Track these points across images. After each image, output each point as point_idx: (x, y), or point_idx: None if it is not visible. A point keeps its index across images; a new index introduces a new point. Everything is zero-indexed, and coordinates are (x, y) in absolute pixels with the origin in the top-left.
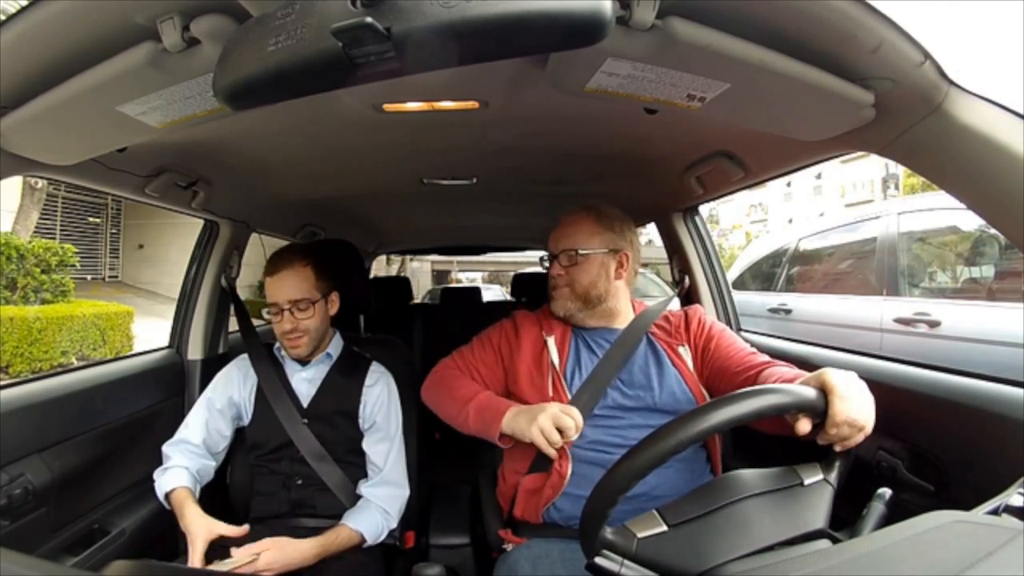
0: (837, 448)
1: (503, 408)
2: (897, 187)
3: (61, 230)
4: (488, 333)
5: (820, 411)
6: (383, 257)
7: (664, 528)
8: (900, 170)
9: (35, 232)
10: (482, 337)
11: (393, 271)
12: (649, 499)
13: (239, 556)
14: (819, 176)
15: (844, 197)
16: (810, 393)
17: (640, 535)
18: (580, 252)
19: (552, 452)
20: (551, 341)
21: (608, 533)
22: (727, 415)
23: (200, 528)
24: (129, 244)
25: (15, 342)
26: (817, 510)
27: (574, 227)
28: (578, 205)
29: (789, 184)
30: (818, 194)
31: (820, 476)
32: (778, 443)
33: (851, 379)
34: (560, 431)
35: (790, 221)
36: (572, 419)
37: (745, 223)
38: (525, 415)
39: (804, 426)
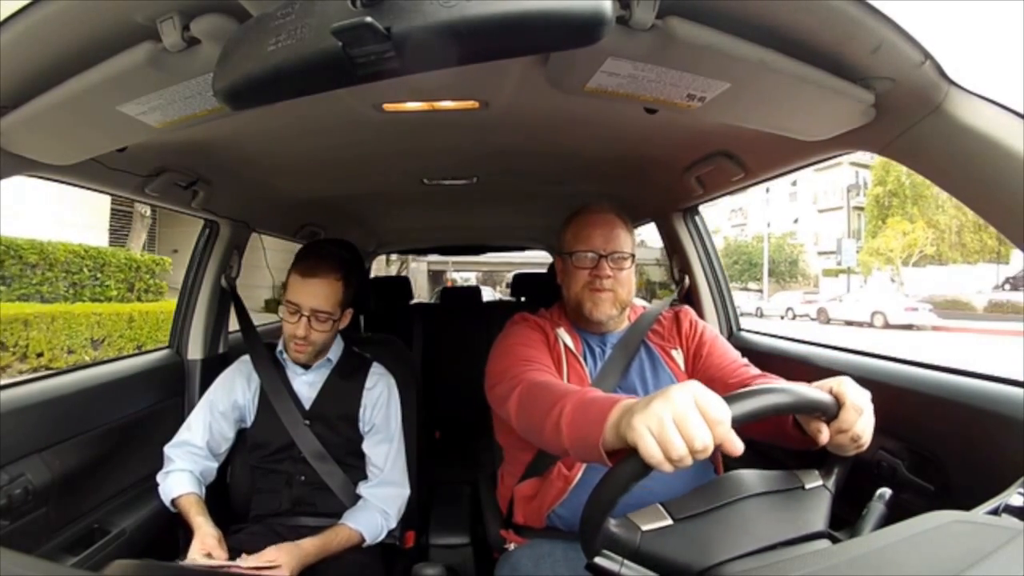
0: (829, 448)
1: (610, 404)
2: (861, 194)
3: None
4: (512, 333)
5: (831, 415)
6: (383, 258)
7: (669, 522)
8: (869, 178)
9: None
10: (509, 339)
11: (393, 272)
12: (649, 499)
13: (251, 562)
14: (795, 183)
15: (816, 203)
16: (826, 398)
17: (644, 528)
18: (627, 254)
19: (667, 469)
20: (569, 341)
21: (612, 525)
22: (735, 412)
23: (206, 537)
24: (164, 249)
25: (149, 329)
26: (817, 513)
27: (613, 227)
28: (603, 202)
29: (768, 190)
30: (793, 200)
31: (819, 482)
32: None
33: (866, 397)
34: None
35: (768, 225)
36: (712, 418)
37: (725, 227)
38: (642, 403)
39: (823, 437)
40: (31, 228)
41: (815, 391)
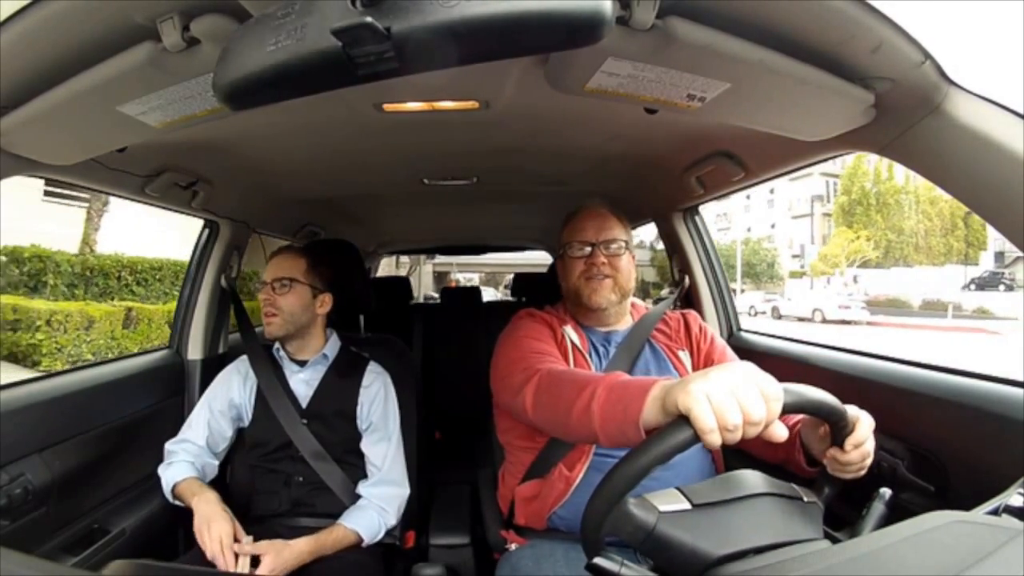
0: (830, 471)
1: (650, 382)
2: (828, 201)
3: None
4: (520, 326)
5: (847, 432)
6: (392, 259)
7: (688, 506)
8: (837, 189)
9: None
10: (519, 331)
11: (403, 274)
12: None
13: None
14: (772, 191)
15: (791, 210)
16: (850, 414)
17: (662, 508)
18: (621, 243)
19: (715, 439)
20: (576, 338)
21: (630, 504)
22: (787, 399)
23: (222, 520)
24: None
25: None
26: (816, 525)
27: (605, 219)
28: (595, 199)
29: (748, 197)
30: (771, 207)
31: (814, 498)
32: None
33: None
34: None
35: (748, 230)
36: (769, 394)
37: (712, 230)
38: (699, 373)
39: (823, 429)
40: (158, 250)
41: (838, 403)
